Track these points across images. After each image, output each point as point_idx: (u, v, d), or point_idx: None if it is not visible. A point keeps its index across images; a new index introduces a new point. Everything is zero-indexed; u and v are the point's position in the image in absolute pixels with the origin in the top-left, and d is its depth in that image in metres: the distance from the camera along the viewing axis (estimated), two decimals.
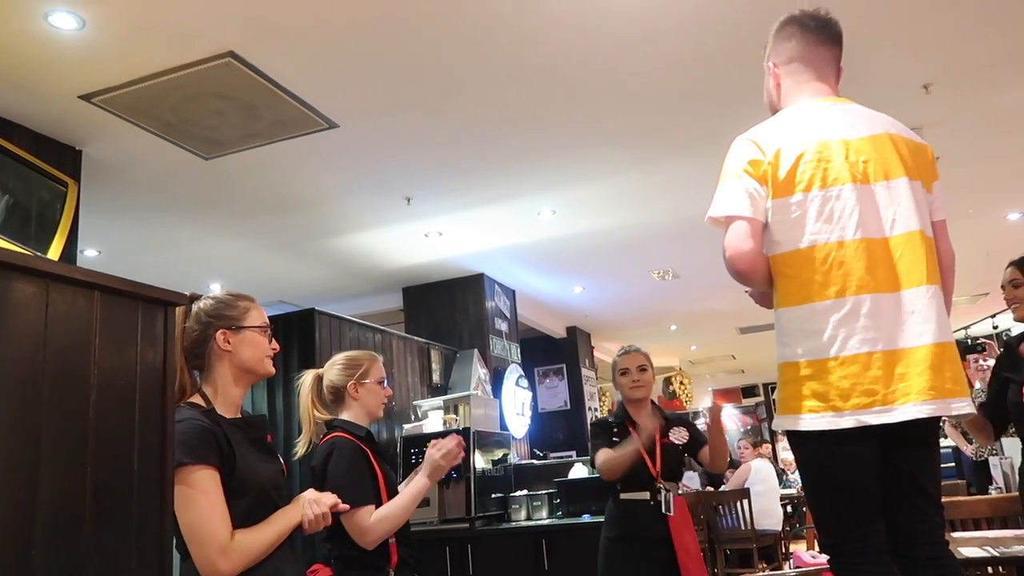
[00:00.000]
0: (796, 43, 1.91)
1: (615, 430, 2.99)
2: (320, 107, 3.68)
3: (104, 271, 1.44)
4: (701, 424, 4.47)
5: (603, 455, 2.91)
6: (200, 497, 1.57)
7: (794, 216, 1.72)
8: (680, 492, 3.01)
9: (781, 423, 1.74)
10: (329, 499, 1.81)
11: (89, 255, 5.28)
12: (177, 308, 1.81)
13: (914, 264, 1.70)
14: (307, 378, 2.41)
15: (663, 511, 2.87)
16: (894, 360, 1.63)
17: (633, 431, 2.94)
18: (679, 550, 2.83)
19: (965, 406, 1.65)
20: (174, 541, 1.50)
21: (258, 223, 5.18)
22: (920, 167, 1.81)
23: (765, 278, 1.80)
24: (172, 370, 1.59)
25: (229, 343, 1.75)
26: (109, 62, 3.17)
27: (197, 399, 1.72)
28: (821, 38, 1.91)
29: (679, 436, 3.01)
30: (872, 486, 1.69)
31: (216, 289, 6.43)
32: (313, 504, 1.76)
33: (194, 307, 1.78)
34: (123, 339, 1.51)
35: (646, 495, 2.91)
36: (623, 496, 2.94)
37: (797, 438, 1.73)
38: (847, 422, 1.61)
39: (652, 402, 3.11)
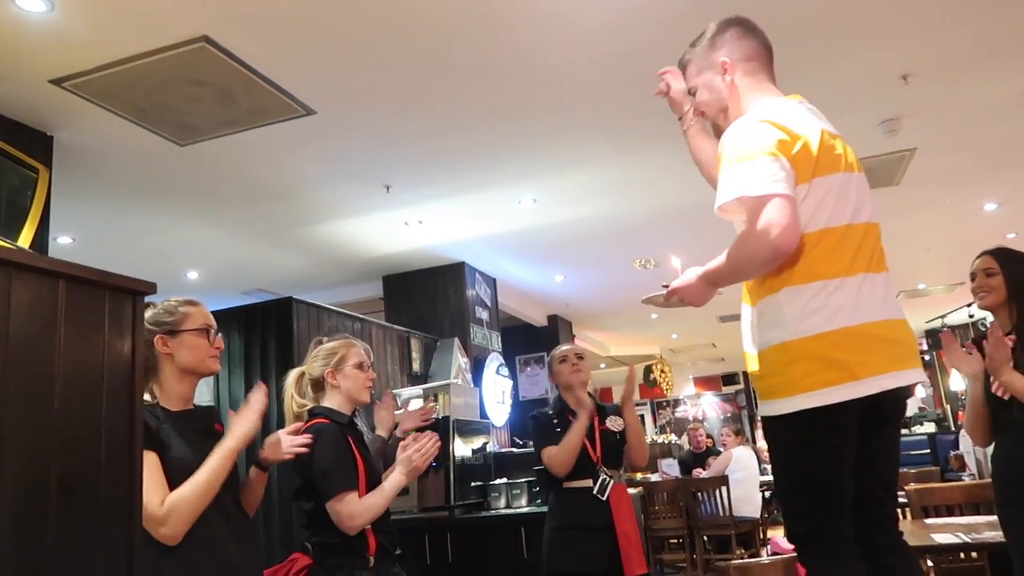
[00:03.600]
0: (750, 42, 1.94)
1: (555, 421, 3.06)
2: (297, 93, 3.63)
3: (79, 258, 1.42)
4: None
5: (550, 449, 2.96)
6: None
7: (814, 199, 1.74)
8: (621, 480, 3.07)
9: (791, 404, 1.70)
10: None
11: (63, 243, 5.20)
12: None
13: (882, 251, 1.81)
14: (291, 376, 2.46)
15: (600, 496, 2.93)
16: (893, 328, 1.73)
17: (572, 419, 3.01)
18: (620, 536, 2.89)
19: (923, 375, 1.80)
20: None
21: (236, 211, 5.12)
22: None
23: None
24: (140, 360, 1.57)
25: (167, 346, 1.88)
26: (80, 46, 3.11)
27: (144, 395, 1.82)
28: (764, 44, 1.95)
29: (615, 424, 3.09)
30: (851, 472, 1.75)
31: (193, 277, 6.40)
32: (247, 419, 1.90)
33: None
34: (90, 329, 1.48)
35: (589, 482, 2.96)
36: (567, 485, 2.99)
37: (795, 420, 1.70)
38: (869, 387, 1.65)
39: (588, 393, 3.18)
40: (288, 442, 2.11)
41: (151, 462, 1.73)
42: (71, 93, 3.42)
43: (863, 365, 1.66)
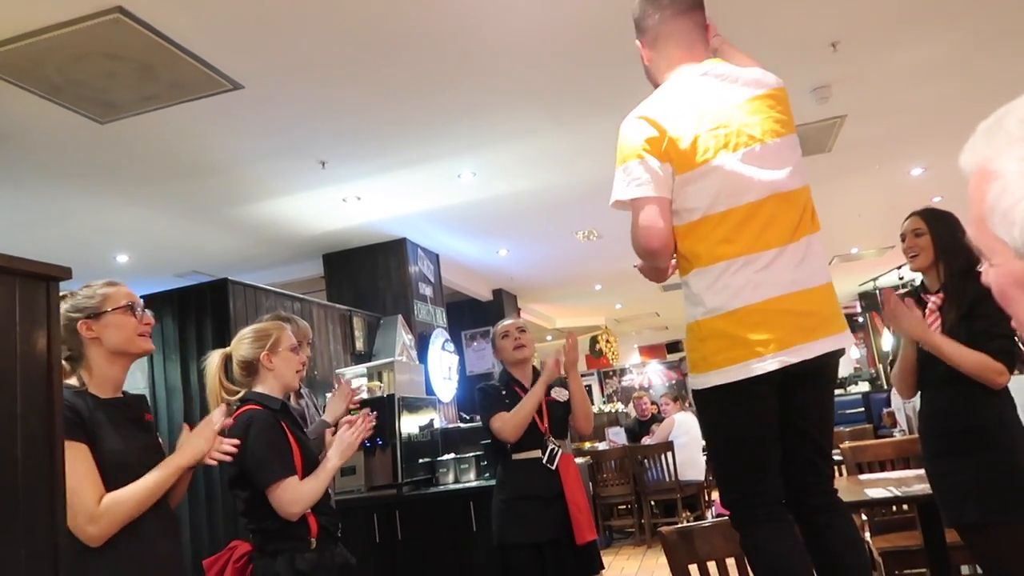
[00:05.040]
0: (655, 21, 1.95)
1: (503, 393, 3.07)
2: (222, 67, 3.49)
3: None
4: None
5: (501, 416, 2.98)
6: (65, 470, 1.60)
7: (703, 184, 1.77)
8: (569, 449, 3.12)
9: (706, 380, 1.78)
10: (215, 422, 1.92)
11: None
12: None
13: (803, 218, 1.81)
14: (213, 358, 2.34)
15: (549, 466, 2.97)
16: (803, 299, 1.74)
17: (520, 391, 3.05)
18: (571, 504, 2.93)
19: (851, 340, 1.83)
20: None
21: (165, 191, 4.94)
22: (789, 118, 1.89)
23: (671, 253, 1.87)
24: (58, 351, 1.49)
25: (92, 330, 1.83)
26: None
27: (72, 380, 1.80)
28: (677, 10, 1.94)
29: (560, 394, 3.13)
30: (776, 436, 1.80)
31: (124, 261, 6.17)
32: (204, 438, 1.85)
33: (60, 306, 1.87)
34: (0, 319, 1.40)
35: (538, 453, 2.99)
36: (516, 457, 3.02)
37: (712, 394, 1.78)
38: (770, 364, 1.69)
39: (533, 367, 3.20)
40: (214, 446, 1.98)
41: (82, 454, 1.67)
42: None
43: (764, 343, 1.71)
